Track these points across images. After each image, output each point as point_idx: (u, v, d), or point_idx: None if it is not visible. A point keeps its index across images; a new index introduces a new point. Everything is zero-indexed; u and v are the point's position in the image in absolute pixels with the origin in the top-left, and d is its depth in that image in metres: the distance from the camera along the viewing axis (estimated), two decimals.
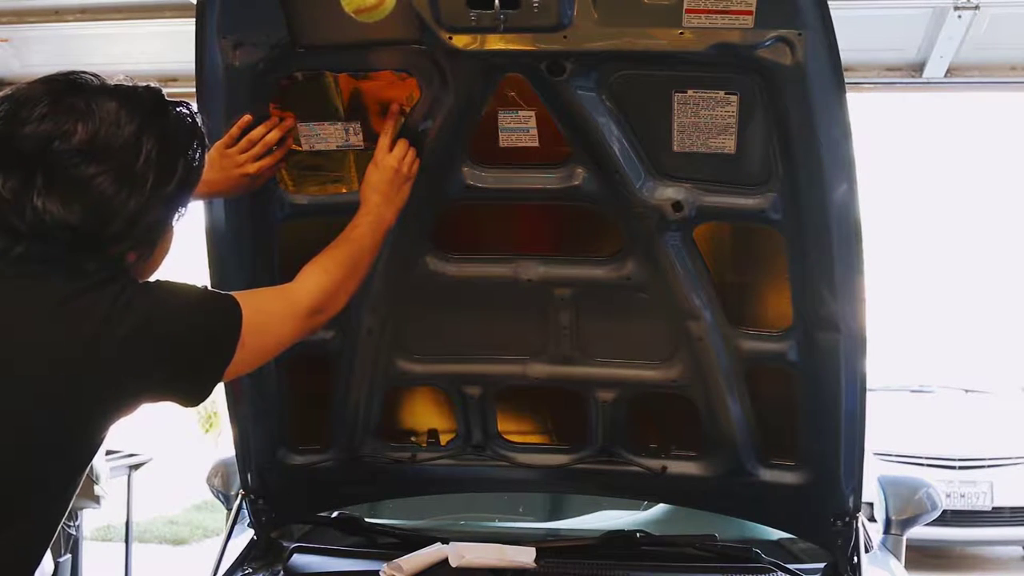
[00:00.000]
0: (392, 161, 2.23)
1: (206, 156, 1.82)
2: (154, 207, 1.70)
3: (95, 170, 1.64)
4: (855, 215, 2.25)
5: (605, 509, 3.38)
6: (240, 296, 1.83)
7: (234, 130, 2.23)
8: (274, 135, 2.26)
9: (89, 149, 1.63)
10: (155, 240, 1.76)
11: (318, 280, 2.03)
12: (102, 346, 1.64)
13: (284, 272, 2.14)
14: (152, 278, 1.80)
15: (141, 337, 1.66)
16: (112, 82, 1.71)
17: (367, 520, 3.02)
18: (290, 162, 2.36)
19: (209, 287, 1.88)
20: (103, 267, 1.68)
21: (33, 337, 1.63)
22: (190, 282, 1.80)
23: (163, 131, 1.71)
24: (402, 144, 2.25)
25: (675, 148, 2.28)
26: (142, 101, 1.71)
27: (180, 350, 1.72)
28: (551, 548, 2.79)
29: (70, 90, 1.67)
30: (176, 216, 1.78)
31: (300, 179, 2.43)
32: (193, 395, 1.78)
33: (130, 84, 1.73)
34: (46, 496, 1.68)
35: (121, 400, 1.70)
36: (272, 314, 1.92)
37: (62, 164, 1.63)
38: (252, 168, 2.24)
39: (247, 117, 2.24)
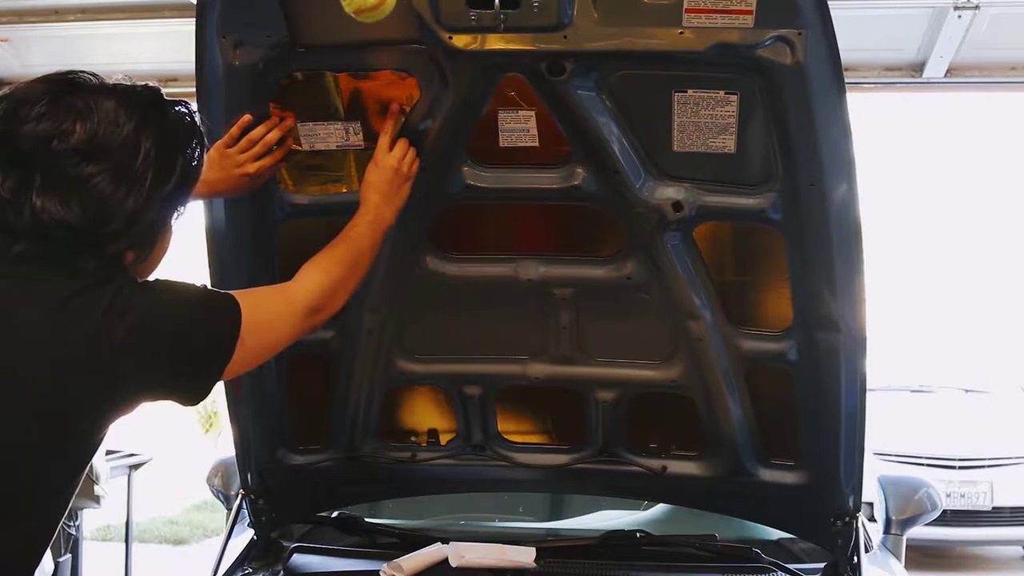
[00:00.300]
0: (392, 161, 2.23)
1: (206, 156, 1.82)
2: (153, 206, 1.70)
3: (94, 169, 1.64)
4: (855, 215, 2.25)
5: (605, 509, 3.37)
6: (239, 295, 1.83)
7: (234, 130, 2.23)
8: (274, 135, 2.26)
9: (87, 148, 1.63)
10: (154, 239, 1.76)
11: (317, 279, 2.03)
12: (102, 345, 1.63)
13: (284, 272, 2.13)
14: (151, 277, 1.80)
15: (141, 336, 1.66)
16: (111, 81, 1.71)
17: (367, 520, 3.02)
18: (290, 162, 2.36)
19: (208, 286, 1.88)
20: (102, 266, 1.68)
21: (33, 337, 1.63)
22: (189, 281, 1.80)
23: (162, 130, 1.71)
24: (402, 144, 2.25)
25: (675, 148, 2.27)
26: (141, 100, 1.71)
27: (180, 349, 1.72)
28: (551, 548, 2.79)
29: (69, 89, 1.67)
30: (175, 215, 1.78)
31: (300, 179, 2.43)
32: (193, 394, 1.78)
33: (129, 83, 1.73)
34: (47, 495, 1.68)
35: (121, 399, 1.70)
36: (271, 313, 1.92)
37: (61, 163, 1.63)
38: (252, 168, 2.24)
39: (247, 117, 2.24)
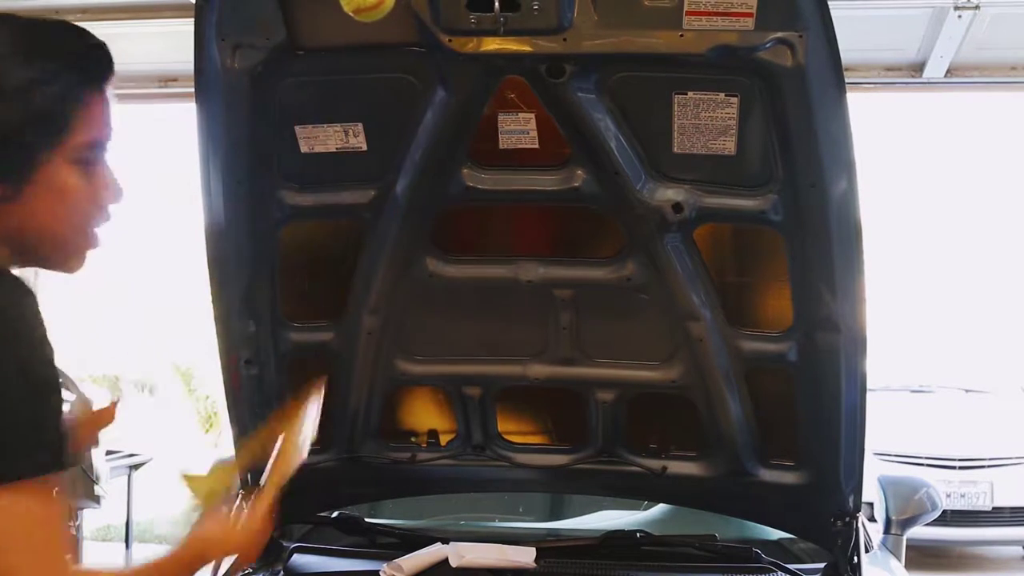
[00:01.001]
0: (258, 527, 1.93)
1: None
2: None
3: None
4: (855, 215, 2.26)
5: (605, 509, 3.37)
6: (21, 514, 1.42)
7: None
8: None
9: None
10: (13, 171, 1.53)
11: None
12: None
13: (284, 273, 2.13)
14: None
15: None
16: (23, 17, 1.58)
17: (367, 520, 3.02)
18: None
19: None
20: None
21: None
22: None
23: (10, 51, 1.52)
24: (268, 507, 1.97)
25: (675, 150, 2.28)
26: (11, 26, 1.55)
27: None
28: (551, 548, 2.79)
29: None
30: (36, 145, 1.54)
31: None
32: None
33: (37, 19, 1.58)
34: None
35: None
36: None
37: None
38: None
39: None
